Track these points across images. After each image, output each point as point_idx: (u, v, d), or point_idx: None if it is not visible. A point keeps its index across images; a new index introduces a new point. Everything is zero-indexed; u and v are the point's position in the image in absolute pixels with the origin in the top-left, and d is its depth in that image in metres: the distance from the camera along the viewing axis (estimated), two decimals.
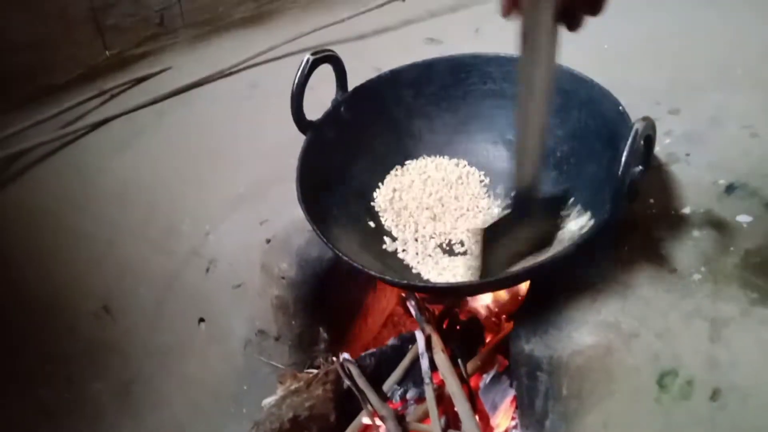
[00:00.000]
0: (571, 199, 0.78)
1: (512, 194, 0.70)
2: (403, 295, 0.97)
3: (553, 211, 0.76)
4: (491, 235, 0.71)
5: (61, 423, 1.01)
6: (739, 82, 0.94)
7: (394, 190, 0.88)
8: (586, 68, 0.80)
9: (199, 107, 1.28)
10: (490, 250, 0.72)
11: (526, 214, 0.71)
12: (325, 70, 0.82)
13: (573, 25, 0.57)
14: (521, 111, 0.64)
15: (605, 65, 0.82)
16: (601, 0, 0.55)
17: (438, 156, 0.90)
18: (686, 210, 0.75)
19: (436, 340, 0.83)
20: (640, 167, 0.63)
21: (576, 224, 0.76)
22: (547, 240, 0.75)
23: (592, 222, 0.73)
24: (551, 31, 0.57)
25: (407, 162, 0.90)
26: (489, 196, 0.87)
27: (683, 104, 0.93)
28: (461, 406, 0.76)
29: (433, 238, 0.83)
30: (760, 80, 0.94)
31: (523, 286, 0.87)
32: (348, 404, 0.85)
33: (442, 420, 0.77)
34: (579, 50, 0.88)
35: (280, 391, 0.86)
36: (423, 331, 0.85)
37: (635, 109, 0.71)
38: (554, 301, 0.70)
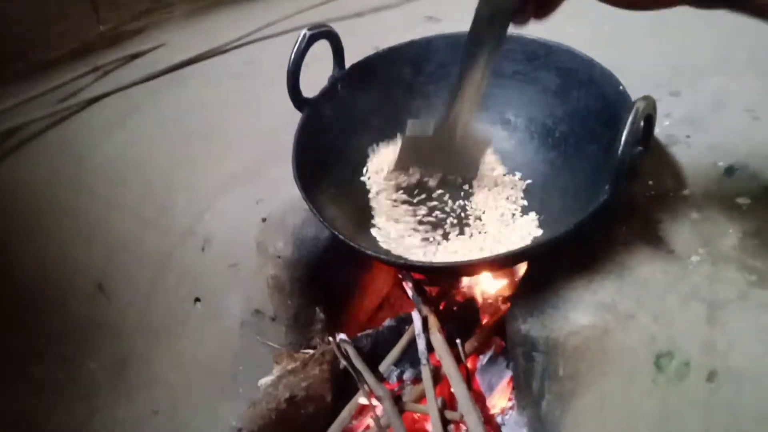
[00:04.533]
0: (491, 149, 0.85)
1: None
2: (400, 275, 0.97)
3: (476, 144, 0.82)
4: (411, 140, 0.81)
5: (55, 401, 1.02)
6: (741, 66, 0.93)
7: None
8: (587, 49, 0.79)
9: (194, 84, 1.27)
10: (408, 148, 0.81)
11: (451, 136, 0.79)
12: (323, 49, 0.81)
13: (519, 22, 0.65)
14: (468, 67, 0.71)
15: (606, 47, 0.81)
16: (547, 14, 0.64)
17: None
18: (685, 192, 0.75)
19: (432, 321, 0.83)
20: (640, 147, 0.62)
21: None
22: (467, 168, 0.84)
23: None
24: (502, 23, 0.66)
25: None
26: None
27: (684, 87, 0.92)
28: (458, 387, 0.76)
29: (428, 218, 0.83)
30: (762, 64, 0.93)
31: (521, 267, 0.86)
32: (344, 385, 0.85)
33: (439, 400, 0.77)
34: (580, 31, 0.88)
35: (276, 371, 0.86)
36: (420, 311, 0.85)
37: (635, 90, 0.70)
38: (551, 282, 0.70)
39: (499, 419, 0.81)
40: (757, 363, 0.59)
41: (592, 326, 0.65)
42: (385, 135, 0.88)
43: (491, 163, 0.86)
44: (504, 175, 0.85)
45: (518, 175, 0.85)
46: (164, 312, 1.01)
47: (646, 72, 0.94)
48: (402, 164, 0.84)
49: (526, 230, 0.79)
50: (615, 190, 0.63)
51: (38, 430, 0.99)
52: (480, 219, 0.82)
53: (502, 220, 0.81)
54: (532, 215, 0.80)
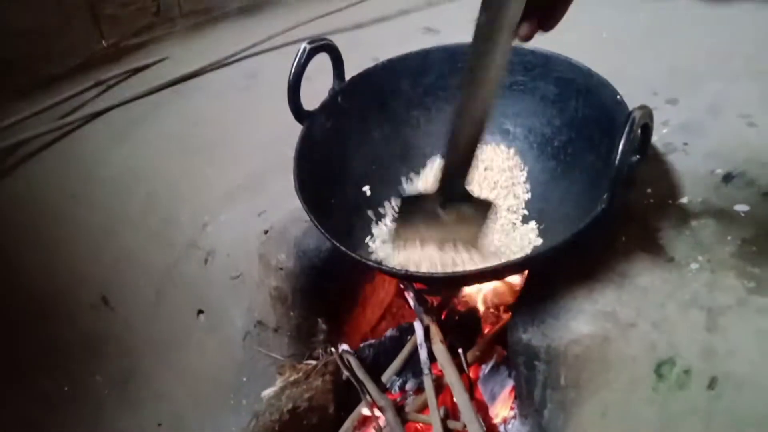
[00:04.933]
0: (496, 212, 0.77)
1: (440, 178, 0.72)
2: (402, 285, 0.97)
3: (478, 211, 0.73)
4: (409, 207, 0.75)
5: (62, 414, 1.02)
6: (737, 72, 0.94)
7: None
8: (585, 57, 0.80)
9: (196, 98, 1.28)
10: (406, 220, 0.75)
11: (450, 199, 0.72)
12: (323, 61, 0.82)
13: (524, 35, 0.62)
14: (465, 100, 0.65)
15: (603, 54, 0.81)
16: (553, 24, 0.62)
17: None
18: (684, 200, 0.75)
19: (434, 331, 0.83)
20: (638, 156, 0.63)
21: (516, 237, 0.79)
22: (470, 240, 0.73)
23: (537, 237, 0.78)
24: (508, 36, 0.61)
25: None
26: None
27: (681, 94, 0.93)
28: (460, 397, 0.76)
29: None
30: (758, 70, 0.94)
31: (521, 277, 0.87)
32: (347, 395, 0.86)
33: (441, 410, 0.77)
34: (578, 39, 0.88)
35: (279, 383, 0.86)
36: (421, 321, 0.86)
37: (633, 98, 0.71)
38: (552, 291, 0.70)
39: (501, 428, 0.81)
40: (756, 369, 0.59)
41: (593, 335, 0.65)
42: (384, 146, 0.88)
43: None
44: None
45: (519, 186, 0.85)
46: (168, 324, 1.01)
47: (644, 79, 0.95)
48: (399, 237, 0.77)
49: (526, 240, 0.79)
50: (613, 199, 0.64)
51: None
52: None
53: (502, 229, 0.81)
54: (532, 224, 0.80)
